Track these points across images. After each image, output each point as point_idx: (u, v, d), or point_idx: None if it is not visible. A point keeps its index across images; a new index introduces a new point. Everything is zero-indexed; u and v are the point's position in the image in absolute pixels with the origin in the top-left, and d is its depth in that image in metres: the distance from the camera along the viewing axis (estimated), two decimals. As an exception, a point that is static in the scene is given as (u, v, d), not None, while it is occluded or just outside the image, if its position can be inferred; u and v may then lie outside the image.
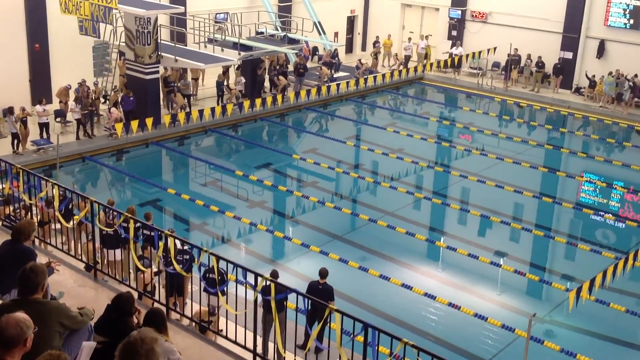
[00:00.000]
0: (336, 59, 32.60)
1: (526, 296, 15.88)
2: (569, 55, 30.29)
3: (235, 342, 9.17)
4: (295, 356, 9.37)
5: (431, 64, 32.06)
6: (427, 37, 34.00)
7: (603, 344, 13.77)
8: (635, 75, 27.93)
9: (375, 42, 34.08)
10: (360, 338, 8.31)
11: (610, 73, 28.30)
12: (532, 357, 10.48)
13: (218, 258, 9.20)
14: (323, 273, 11.62)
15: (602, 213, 19.81)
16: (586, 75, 29.09)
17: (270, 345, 10.48)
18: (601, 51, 29.55)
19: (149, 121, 22.18)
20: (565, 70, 30.07)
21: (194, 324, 10.27)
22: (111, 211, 11.65)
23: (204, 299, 10.30)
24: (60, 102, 22.98)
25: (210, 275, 9.90)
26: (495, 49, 30.92)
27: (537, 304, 15.34)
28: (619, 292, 15.09)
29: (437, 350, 9.83)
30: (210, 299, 10.45)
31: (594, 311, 14.40)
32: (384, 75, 30.97)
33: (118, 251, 12.27)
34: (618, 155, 24.19)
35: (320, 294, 10.55)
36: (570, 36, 30.18)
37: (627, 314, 14.28)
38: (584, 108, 28.49)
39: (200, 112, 24.08)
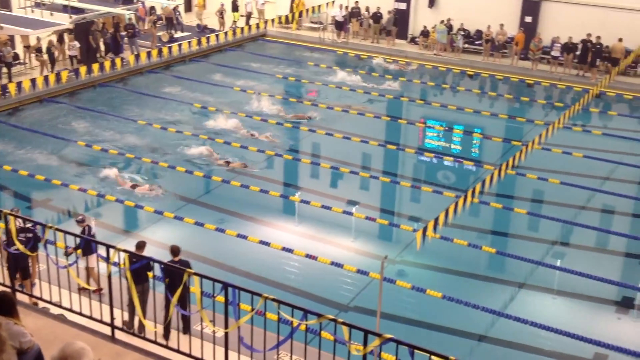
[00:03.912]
0: (178, 16, 31.73)
1: (378, 240, 16.62)
2: (402, 5, 31.35)
3: (90, 318, 8.89)
4: (155, 324, 9.25)
5: (272, 20, 32.01)
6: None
7: (450, 277, 14.76)
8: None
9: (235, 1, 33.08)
10: (221, 298, 8.35)
11: (442, 22, 29.68)
12: (386, 297, 11.05)
13: (65, 234, 8.81)
14: (175, 251, 10.92)
15: (441, 156, 21.00)
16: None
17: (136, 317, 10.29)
18: (432, 1, 30.85)
19: (-25, 94, 20.56)
20: (400, 21, 31.12)
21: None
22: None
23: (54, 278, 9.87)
24: None
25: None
26: (333, 2, 31.36)
27: (389, 246, 16.11)
28: (460, 228, 16.18)
29: (298, 301, 10.12)
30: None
31: (440, 248, 15.37)
32: (226, 34, 30.59)
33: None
34: (453, 100, 25.57)
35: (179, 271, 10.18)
36: (403, -13, 31.25)
37: (469, 248, 15.37)
38: (420, 56, 29.79)
39: (33, 81, 22.61)
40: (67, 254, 10.44)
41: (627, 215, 17.60)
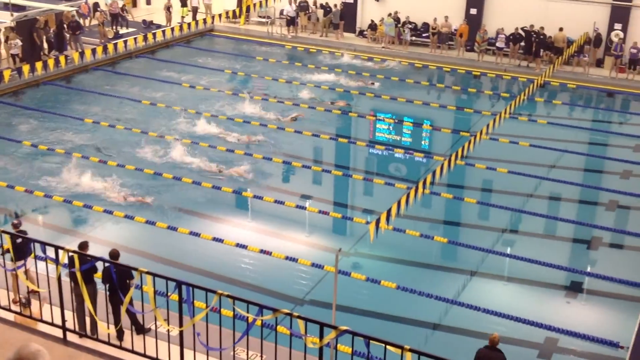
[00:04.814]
0: (124, 13, 31.22)
1: (332, 233, 16.69)
2: (350, -1, 31.48)
3: (41, 320, 8.70)
4: (107, 325, 9.09)
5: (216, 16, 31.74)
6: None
7: (403, 268, 14.93)
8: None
9: None
10: (175, 296, 8.28)
11: (389, 14, 29.88)
12: (341, 290, 11.07)
13: (12, 235, 8.60)
14: (114, 255, 10.27)
15: (392, 148, 21.18)
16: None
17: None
18: (379, -6, 31.07)
19: None
20: (347, 15, 31.21)
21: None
22: None
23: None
24: None
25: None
26: (281, -4, 31.31)
27: (343, 239, 16.20)
28: (413, 219, 16.37)
29: (253, 297, 10.07)
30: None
31: (393, 239, 15.53)
32: (172, 29, 30.23)
33: None
34: (402, 92, 25.74)
35: (122, 273, 9.92)
36: (350, -19, 31.35)
37: (422, 238, 15.57)
38: (368, 50, 29.96)
39: (-27, 81, 21.97)
40: (2, 253, 10.07)
41: (574, 202, 18.07)
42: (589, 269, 14.83)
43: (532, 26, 27.51)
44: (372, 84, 25.97)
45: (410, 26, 29.78)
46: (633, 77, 26.40)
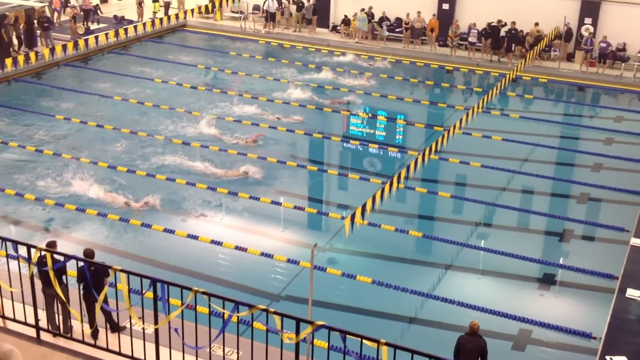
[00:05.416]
0: (97, 9, 30.91)
1: (307, 229, 16.68)
2: (324, -6, 31.45)
3: (14, 320, 8.59)
4: (82, 324, 9.00)
5: (192, 10, 31.53)
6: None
7: (379, 262, 14.97)
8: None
9: None
10: (150, 294, 8.23)
11: (362, 9, 29.91)
12: (317, 285, 11.08)
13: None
14: (89, 254, 10.05)
15: (366, 143, 21.22)
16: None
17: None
18: (353, -11, 31.08)
19: None
20: (321, 10, 31.17)
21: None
22: None
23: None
24: None
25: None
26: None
27: (318, 234, 16.19)
28: (388, 214, 16.43)
29: (229, 293, 10.07)
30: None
31: (368, 234, 15.57)
32: (144, 25, 29.96)
33: None
34: (377, 88, 25.79)
35: (96, 272, 9.79)
36: (323, -24, 31.33)
37: (397, 232, 15.64)
38: (342, 45, 29.96)
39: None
40: None
41: (546, 195, 18.28)
42: (561, 261, 15.02)
43: (499, 21, 27.72)
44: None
45: (386, 22, 29.84)
46: (603, 70, 26.77)
